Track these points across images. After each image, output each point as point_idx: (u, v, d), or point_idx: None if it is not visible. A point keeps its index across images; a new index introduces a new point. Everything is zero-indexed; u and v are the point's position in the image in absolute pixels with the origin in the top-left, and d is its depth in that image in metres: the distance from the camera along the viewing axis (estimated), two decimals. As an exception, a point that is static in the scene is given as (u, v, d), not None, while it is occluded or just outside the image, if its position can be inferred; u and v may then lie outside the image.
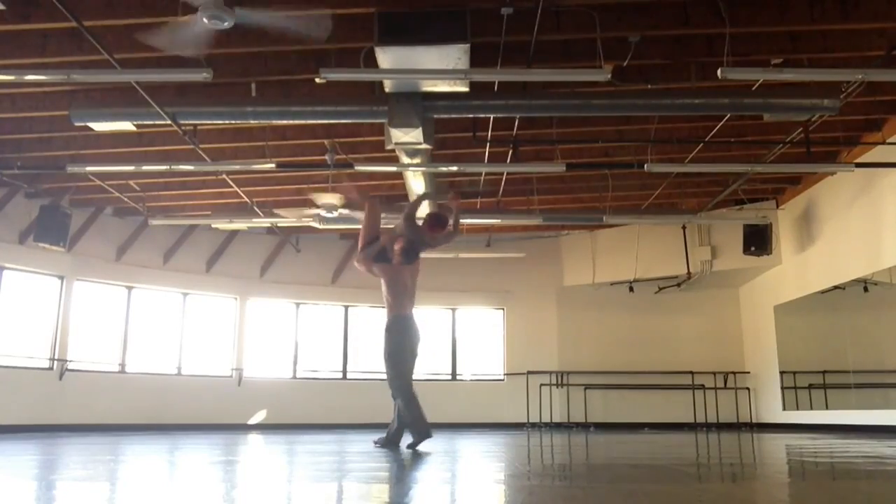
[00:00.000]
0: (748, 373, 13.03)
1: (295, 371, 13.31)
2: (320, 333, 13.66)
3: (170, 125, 7.19)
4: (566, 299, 13.66)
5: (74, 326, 11.25)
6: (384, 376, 6.20)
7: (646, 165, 8.19)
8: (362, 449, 5.93)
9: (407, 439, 5.91)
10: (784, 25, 6.41)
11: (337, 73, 5.97)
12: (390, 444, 6.04)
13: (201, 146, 8.08)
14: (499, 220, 11.18)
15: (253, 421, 12.50)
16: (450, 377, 13.72)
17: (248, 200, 10.28)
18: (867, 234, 9.24)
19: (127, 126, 7.42)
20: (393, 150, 7.65)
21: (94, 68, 6.37)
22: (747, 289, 13.19)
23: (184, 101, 7.23)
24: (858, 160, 8.96)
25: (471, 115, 7.73)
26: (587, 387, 13.08)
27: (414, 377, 6.22)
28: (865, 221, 9.28)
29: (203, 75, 5.73)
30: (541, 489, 3.09)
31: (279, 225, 11.49)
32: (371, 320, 13.87)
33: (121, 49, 6.21)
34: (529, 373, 13.01)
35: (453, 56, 5.79)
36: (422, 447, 5.71)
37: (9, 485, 3.16)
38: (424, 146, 7.24)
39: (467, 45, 5.68)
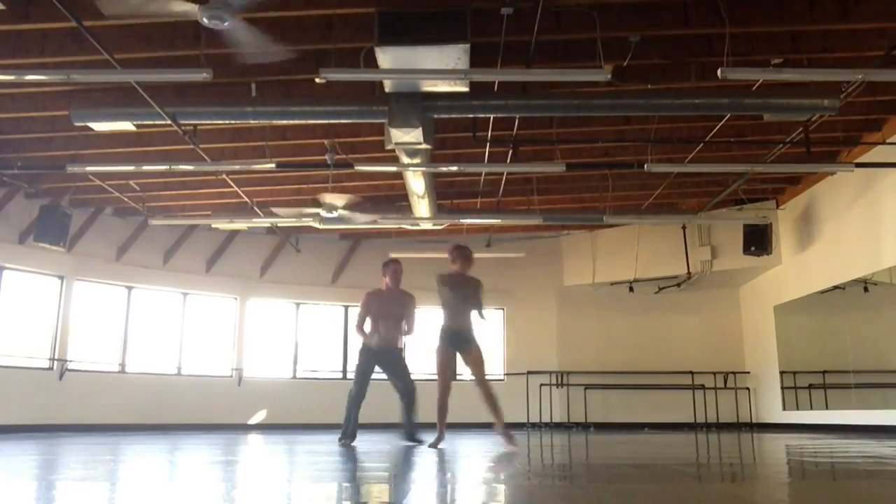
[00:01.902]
0: (748, 373, 13.03)
1: (295, 371, 13.32)
2: (320, 333, 13.67)
3: (170, 125, 7.18)
4: (566, 299, 13.67)
5: (74, 326, 11.25)
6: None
7: (646, 165, 8.19)
8: (362, 449, 5.93)
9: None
10: (784, 25, 6.41)
11: (337, 73, 5.97)
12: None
13: (201, 146, 8.08)
14: (499, 220, 11.17)
15: (253, 421, 12.51)
16: (450, 377, 13.71)
17: (248, 200, 10.28)
18: (867, 234, 9.24)
19: (127, 126, 7.42)
20: (393, 150, 7.65)
21: (94, 68, 6.37)
22: (747, 289, 13.19)
23: (184, 101, 7.23)
24: (858, 160, 8.95)
25: (471, 115, 7.73)
26: (587, 387, 13.08)
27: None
28: (865, 221, 9.28)
29: (203, 75, 5.72)
30: (541, 489, 3.09)
31: (279, 225, 11.49)
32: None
33: (121, 49, 6.21)
34: (529, 373, 13.01)
35: (453, 56, 5.79)
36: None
37: (9, 485, 3.16)
38: (424, 146, 7.24)
39: (467, 45, 5.67)
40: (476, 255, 13.07)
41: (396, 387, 6.73)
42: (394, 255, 6.99)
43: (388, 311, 6.70)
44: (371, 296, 6.75)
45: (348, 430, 6.59)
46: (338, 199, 8.41)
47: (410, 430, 6.63)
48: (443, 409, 6.10)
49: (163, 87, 7.14)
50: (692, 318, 13.35)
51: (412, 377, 6.81)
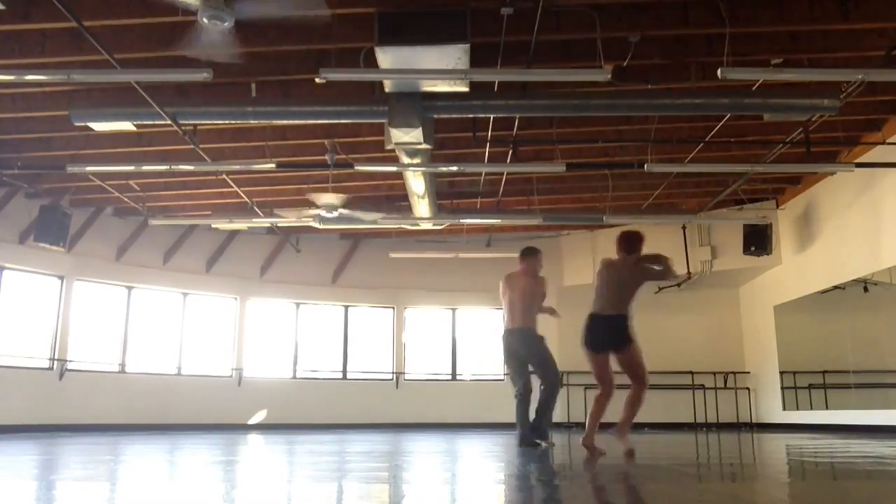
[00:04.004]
0: (748, 373, 13.02)
1: (295, 371, 13.31)
2: (320, 333, 13.67)
3: (170, 125, 7.18)
4: (566, 299, 13.59)
5: (74, 326, 11.25)
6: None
7: (646, 165, 8.19)
8: (362, 449, 5.93)
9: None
10: (784, 25, 6.41)
11: (337, 73, 5.97)
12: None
13: (201, 146, 8.08)
14: (499, 220, 11.17)
15: (253, 421, 12.50)
16: (450, 377, 13.72)
17: (248, 200, 10.27)
18: (867, 234, 9.24)
19: (127, 126, 7.42)
20: (393, 150, 7.65)
21: (94, 68, 6.37)
22: (747, 289, 13.19)
23: (184, 101, 7.23)
24: (858, 160, 8.95)
25: (471, 115, 7.73)
26: (587, 387, 13.06)
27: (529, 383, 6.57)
28: (865, 221, 9.28)
29: (203, 75, 5.72)
30: (541, 489, 3.09)
31: (279, 225, 11.48)
32: (371, 320, 13.90)
33: (121, 49, 6.21)
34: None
35: (453, 56, 5.79)
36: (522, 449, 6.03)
37: (9, 485, 3.16)
38: (424, 146, 7.24)
39: (467, 45, 5.67)
40: (476, 255, 13.04)
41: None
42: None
43: (516, 296, 6.67)
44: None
45: (525, 431, 6.36)
46: (334, 199, 8.41)
47: (532, 429, 6.41)
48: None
49: (163, 87, 7.14)
50: (692, 318, 13.34)
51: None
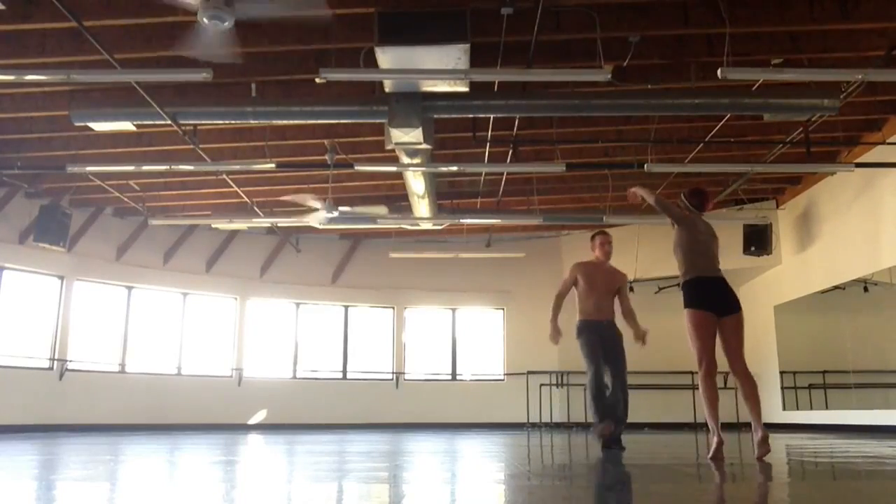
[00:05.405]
0: (748, 373, 13.03)
1: (295, 371, 13.32)
2: (320, 333, 13.68)
3: (170, 125, 7.19)
4: (566, 299, 13.64)
5: (74, 326, 11.26)
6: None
7: (646, 165, 8.19)
8: (362, 449, 5.93)
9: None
10: (784, 25, 6.41)
11: (337, 73, 5.97)
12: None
13: (201, 146, 8.09)
14: (499, 220, 11.18)
15: (253, 421, 12.51)
16: (450, 377, 13.72)
17: (248, 200, 10.28)
18: (867, 234, 9.24)
19: (127, 126, 7.43)
20: (393, 150, 7.65)
21: (94, 68, 6.38)
22: (747, 289, 13.17)
23: (184, 101, 7.23)
24: (858, 160, 8.96)
25: (471, 115, 7.74)
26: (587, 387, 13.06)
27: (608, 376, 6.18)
28: (865, 221, 9.28)
29: (203, 75, 5.72)
30: (541, 489, 3.09)
31: (279, 225, 11.49)
32: (371, 320, 13.90)
33: (121, 49, 6.22)
34: (529, 373, 13.01)
35: (453, 56, 5.79)
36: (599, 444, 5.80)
37: (9, 485, 3.16)
38: (424, 146, 7.24)
39: (467, 45, 5.68)
40: (476, 255, 13.01)
41: (609, 372, 6.12)
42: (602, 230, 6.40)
43: (597, 283, 6.18)
44: (578, 266, 6.22)
45: (602, 420, 5.87)
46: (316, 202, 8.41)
47: (618, 431, 5.95)
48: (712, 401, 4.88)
49: (163, 87, 7.15)
50: (692, 318, 13.31)
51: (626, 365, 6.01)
